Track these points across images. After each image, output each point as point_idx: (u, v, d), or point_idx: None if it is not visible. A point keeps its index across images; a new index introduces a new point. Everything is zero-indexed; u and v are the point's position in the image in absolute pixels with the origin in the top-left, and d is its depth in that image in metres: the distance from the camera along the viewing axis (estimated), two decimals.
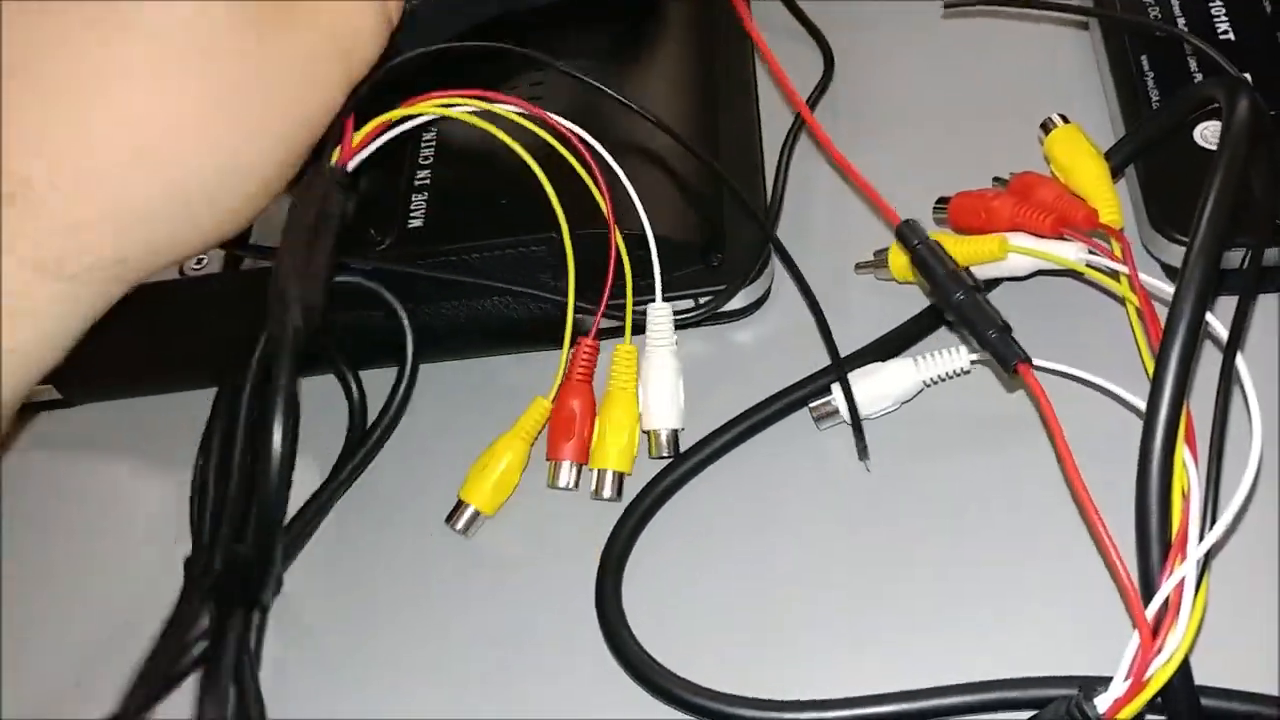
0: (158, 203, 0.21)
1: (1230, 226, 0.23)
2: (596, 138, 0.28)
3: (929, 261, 0.25)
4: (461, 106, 0.28)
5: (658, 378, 0.27)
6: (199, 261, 0.31)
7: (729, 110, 0.33)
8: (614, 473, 0.27)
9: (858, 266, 0.29)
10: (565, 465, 0.27)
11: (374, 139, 0.27)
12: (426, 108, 0.28)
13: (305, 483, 0.28)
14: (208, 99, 0.21)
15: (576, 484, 0.27)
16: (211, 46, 0.21)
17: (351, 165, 0.26)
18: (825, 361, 0.27)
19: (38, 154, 0.20)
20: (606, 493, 0.27)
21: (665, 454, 0.27)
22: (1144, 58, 0.30)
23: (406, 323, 0.29)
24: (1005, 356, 0.24)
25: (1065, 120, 0.28)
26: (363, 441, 0.29)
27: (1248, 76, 0.29)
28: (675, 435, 0.27)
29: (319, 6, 0.23)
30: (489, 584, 0.27)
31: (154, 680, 0.23)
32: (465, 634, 0.26)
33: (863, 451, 0.26)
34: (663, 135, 0.28)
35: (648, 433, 0.27)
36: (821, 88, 0.33)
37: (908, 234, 0.25)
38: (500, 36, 0.32)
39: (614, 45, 0.34)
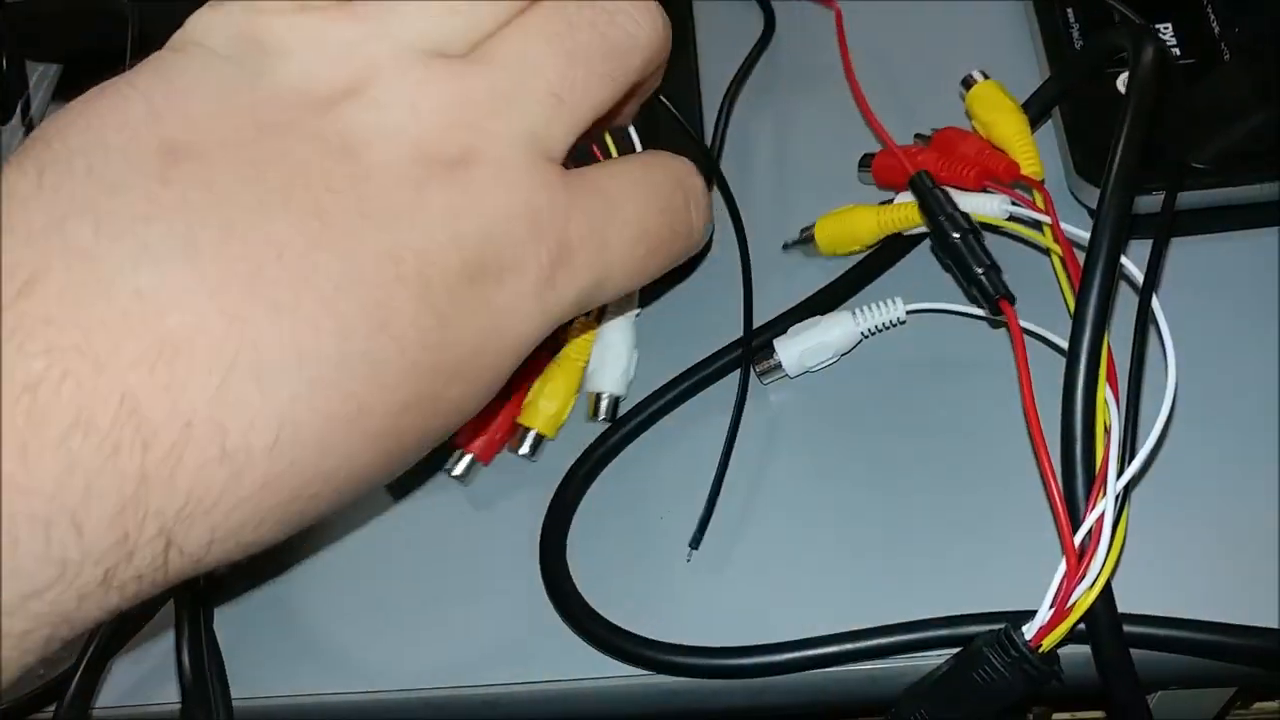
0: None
1: (1140, 169, 0.24)
2: None
3: (933, 205, 0.26)
4: None
5: (613, 343, 0.27)
6: None
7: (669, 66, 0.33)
8: (536, 433, 0.27)
9: (785, 246, 0.29)
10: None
11: None
12: None
13: None
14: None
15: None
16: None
17: None
18: (759, 315, 0.27)
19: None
20: (524, 449, 0.27)
21: (604, 418, 0.27)
22: (1069, 10, 0.31)
23: None
24: (990, 292, 0.25)
25: (985, 76, 0.29)
26: None
27: (1158, 27, 0.30)
28: (615, 402, 0.27)
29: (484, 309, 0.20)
30: (435, 539, 0.27)
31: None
32: (407, 590, 0.26)
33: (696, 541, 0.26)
34: None
35: (593, 395, 0.27)
36: (762, 45, 0.34)
37: (920, 181, 0.26)
38: None
39: None
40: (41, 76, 0.38)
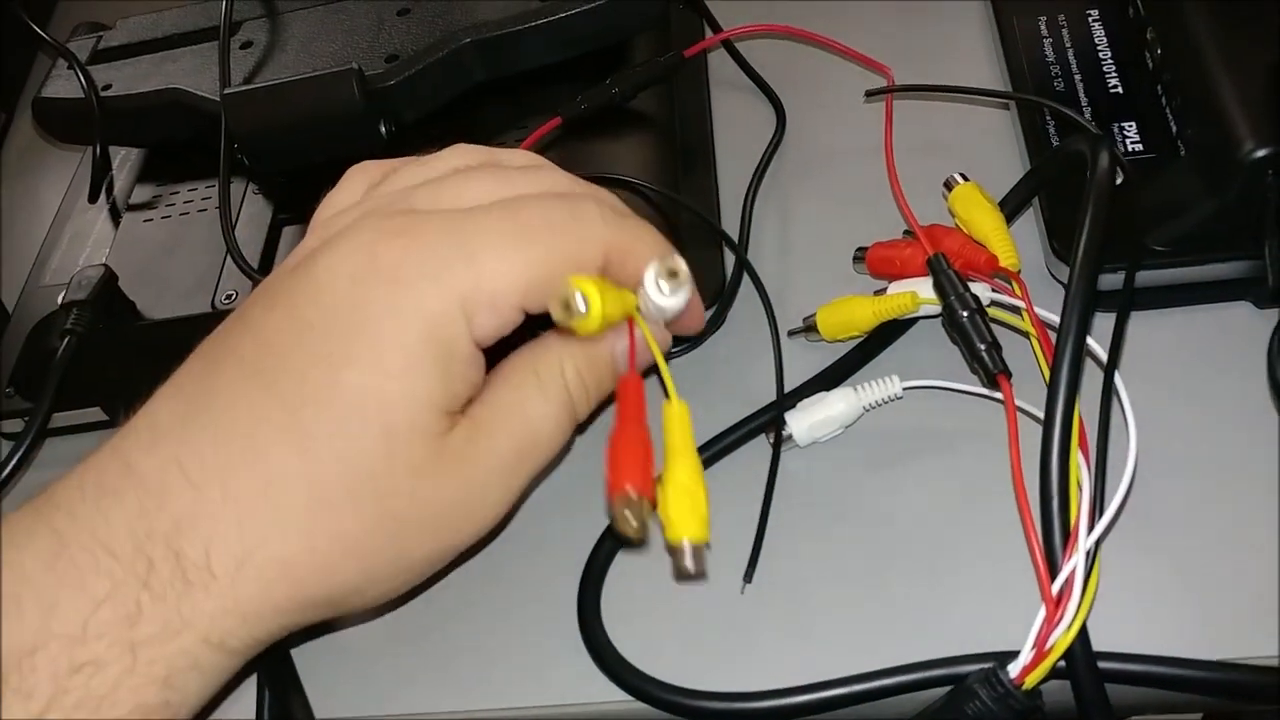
0: (320, 604, 0.24)
1: (1101, 261, 0.27)
2: None
3: (946, 285, 0.29)
4: None
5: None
6: (228, 296, 0.35)
7: (691, 168, 0.37)
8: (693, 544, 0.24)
9: (790, 332, 0.32)
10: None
11: None
12: None
13: None
14: (368, 531, 0.23)
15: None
16: (386, 485, 0.23)
17: None
18: (765, 389, 0.31)
19: (226, 550, 0.23)
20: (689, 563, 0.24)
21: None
22: (1046, 114, 0.35)
23: None
24: (990, 367, 0.28)
25: (965, 178, 0.32)
26: None
27: (1124, 125, 0.34)
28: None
29: (501, 423, 0.25)
30: (478, 583, 0.30)
31: None
32: (448, 631, 0.29)
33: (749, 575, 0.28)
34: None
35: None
36: (776, 142, 0.38)
37: (938, 262, 0.29)
38: (486, 97, 0.37)
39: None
40: (124, 160, 0.42)
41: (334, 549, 0.23)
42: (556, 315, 0.24)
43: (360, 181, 0.28)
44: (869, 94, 0.38)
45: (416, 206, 0.25)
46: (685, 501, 0.24)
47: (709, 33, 0.41)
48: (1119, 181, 0.30)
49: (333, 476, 0.23)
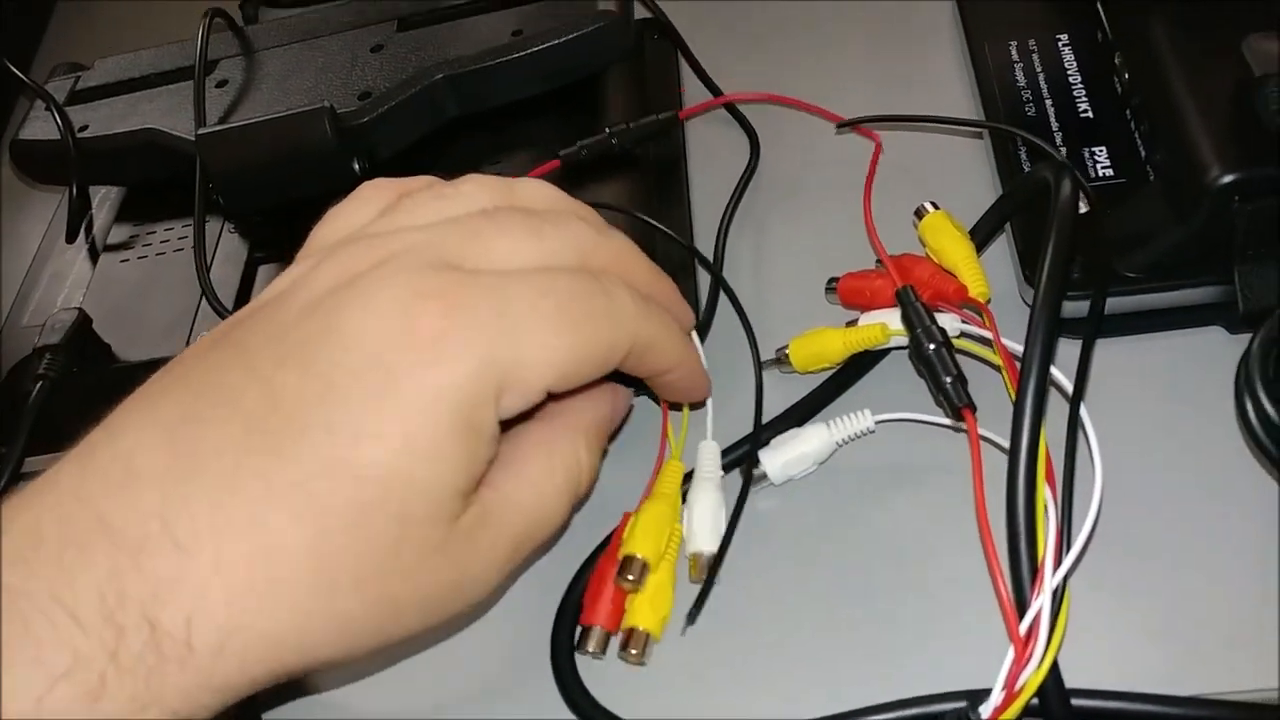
0: (295, 673, 0.22)
1: (1063, 289, 0.27)
2: None
3: (914, 317, 0.29)
4: None
5: (702, 506, 0.29)
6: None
7: (665, 197, 0.37)
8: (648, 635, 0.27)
9: (763, 363, 0.32)
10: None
11: None
12: None
13: None
14: (364, 613, 0.22)
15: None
16: (391, 567, 0.22)
17: None
18: (738, 421, 0.31)
19: (210, 625, 0.20)
20: (637, 654, 0.27)
21: (703, 576, 0.28)
22: (1018, 142, 0.35)
23: None
24: (954, 400, 0.28)
25: (935, 206, 0.32)
26: None
27: (1094, 150, 0.34)
28: (713, 558, 0.28)
29: (511, 511, 0.24)
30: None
31: None
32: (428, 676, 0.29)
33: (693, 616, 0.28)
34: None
35: (692, 556, 0.28)
36: (750, 171, 0.38)
37: (906, 295, 0.29)
38: (459, 131, 0.37)
39: (561, 135, 0.38)
40: (104, 199, 0.42)
41: (327, 629, 0.22)
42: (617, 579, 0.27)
43: (373, 202, 0.27)
44: (840, 126, 0.38)
45: (449, 259, 0.23)
46: (655, 598, 0.28)
47: (681, 61, 0.41)
48: (1085, 209, 0.30)
49: (340, 556, 0.21)
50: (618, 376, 0.27)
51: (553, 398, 0.24)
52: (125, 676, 0.19)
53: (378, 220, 0.26)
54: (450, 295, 0.22)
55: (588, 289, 0.24)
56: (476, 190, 0.26)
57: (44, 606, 0.19)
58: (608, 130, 0.36)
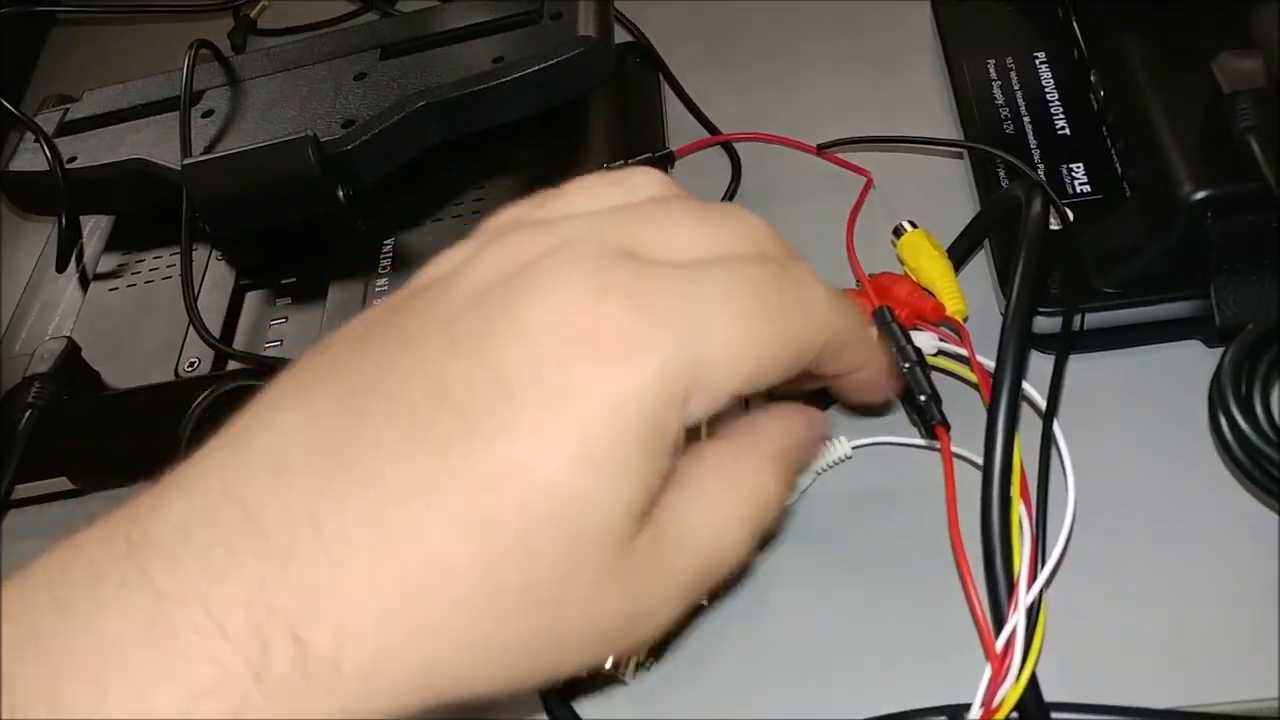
0: (445, 707, 0.19)
1: (1034, 307, 0.27)
2: None
3: (889, 335, 0.29)
4: None
5: None
6: (190, 364, 0.35)
7: None
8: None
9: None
10: None
11: None
12: None
13: None
14: (529, 643, 0.19)
15: None
16: (562, 595, 0.19)
17: None
18: None
19: (362, 646, 0.18)
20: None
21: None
22: (997, 161, 0.35)
23: None
24: (928, 418, 0.28)
25: (914, 226, 0.33)
26: None
27: (1072, 167, 0.34)
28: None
29: (690, 540, 0.21)
30: None
31: None
32: None
33: None
34: None
35: None
36: (732, 192, 0.39)
37: (882, 315, 0.29)
38: (443, 157, 0.37)
39: (545, 159, 0.38)
40: (94, 228, 0.42)
41: (487, 659, 0.19)
42: None
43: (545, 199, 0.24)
44: (821, 147, 0.38)
45: (626, 247, 0.21)
46: None
47: (663, 81, 0.41)
48: (1058, 226, 0.31)
49: (507, 576, 0.18)
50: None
51: (735, 412, 0.23)
52: (269, 700, 0.17)
53: (546, 204, 0.23)
54: (634, 287, 0.20)
55: (779, 279, 0.21)
56: (646, 180, 0.24)
57: (192, 614, 0.17)
58: (605, 167, 0.36)
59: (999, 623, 0.25)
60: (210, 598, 0.17)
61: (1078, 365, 0.31)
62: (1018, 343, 0.27)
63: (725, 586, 0.24)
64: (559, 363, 0.19)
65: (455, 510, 0.18)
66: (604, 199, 0.23)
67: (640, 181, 0.24)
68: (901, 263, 0.33)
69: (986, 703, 0.24)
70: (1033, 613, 0.25)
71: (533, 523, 0.18)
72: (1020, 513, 0.26)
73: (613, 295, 0.19)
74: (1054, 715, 0.25)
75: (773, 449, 0.23)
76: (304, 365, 0.21)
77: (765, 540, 0.24)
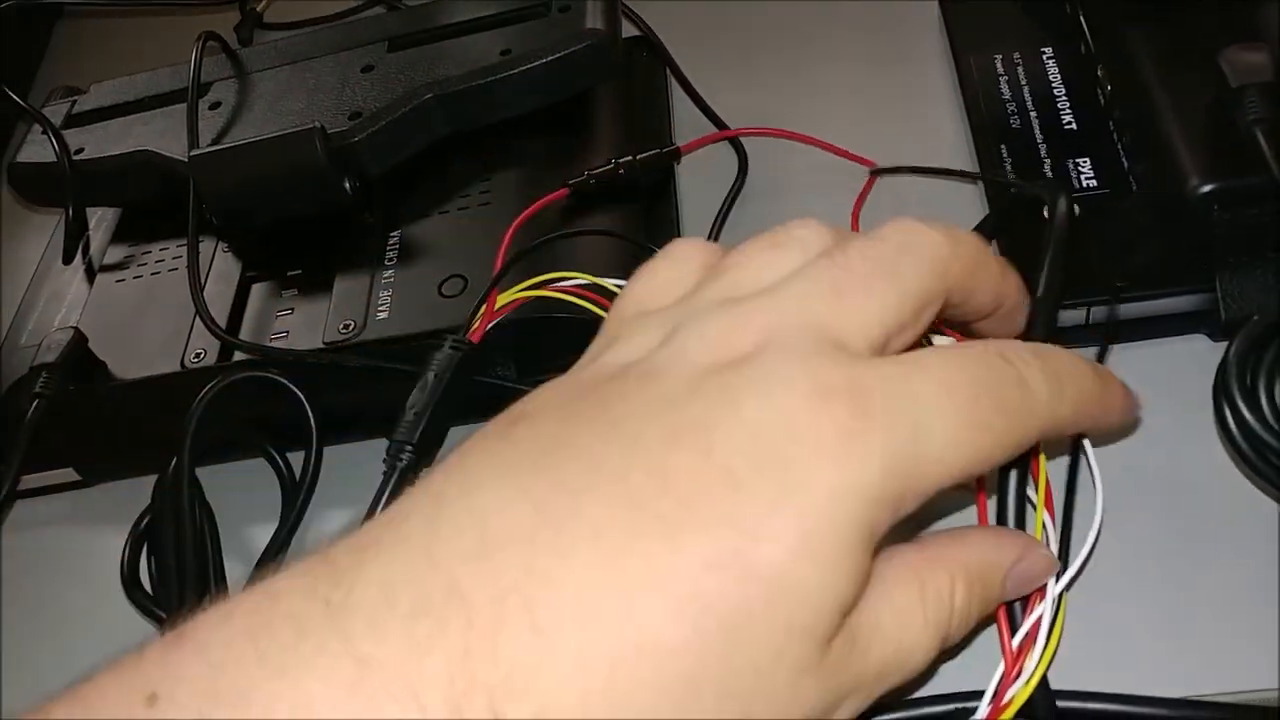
0: None
1: (1059, 301, 0.27)
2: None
3: None
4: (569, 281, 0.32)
5: None
6: (196, 355, 0.35)
7: (653, 213, 0.38)
8: None
9: None
10: None
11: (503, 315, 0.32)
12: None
13: None
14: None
15: None
16: (760, 687, 0.19)
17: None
18: None
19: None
20: None
21: None
22: (1003, 148, 0.35)
23: (308, 407, 0.33)
24: None
25: None
26: (292, 506, 0.33)
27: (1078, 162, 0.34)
28: None
29: (877, 641, 0.21)
30: None
31: None
32: None
33: None
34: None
35: None
36: (737, 188, 0.39)
37: None
38: (449, 150, 0.37)
39: (552, 153, 0.38)
40: (101, 220, 0.43)
41: None
42: None
43: (693, 259, 0.24)
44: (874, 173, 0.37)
45: (832, 336, 0.21)
46: None
47: (670, 76, 0.41)
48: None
49: (712, 662, 0.18)
50: None
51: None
52: None
53: (716, 280, 0.23)
54: (854, 388, 0.20)
55: (999, 378, 0.21)
56: (810, 234, 0.23)
57: (392, 685, 0.17)
58: (614, 161, 0.36)
59: (1013, 621, 0.25)
60: (411, 668, 0.17)
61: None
62: (1045, 333, 0.26)
63: (899, 692, 0.23)
64: (783, 458, 0.19)
65: (673, 593, 0.18)
66: (781, 264, 0.23)
67: (805, 236, 0.23)
68: None
69: (996, 700, 0.24)
70: (1053, 611, 0.25)
71: (747, 610, 0.18)
72: (1044, 518, 0.26)
73: (834, 396, 0.20)
74: (1059, 704, 0.25)
75: (967, 562, 0.23)
76: (502, 434, 0.21)
77: (951, 650, 0.24)
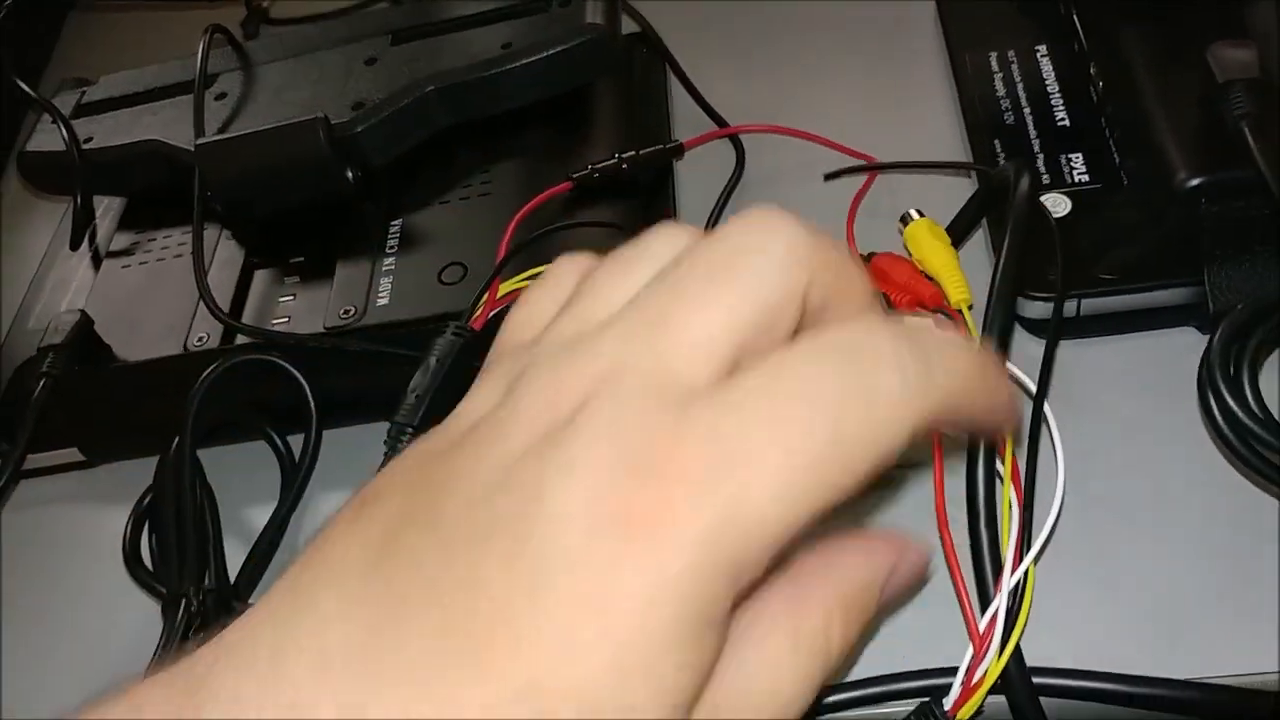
0: None
1: (1021, 274, 0.28)
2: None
3: None
4: None
5: None
6: (200, 339, 0.36)
7: (650, 207, 0.38)
8: None
9: None
10: None
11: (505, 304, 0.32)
12: None
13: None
14: None
15: None
16: None
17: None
18: None
19: None
20: None
21: None
22: (996, 142, 0.36)
23: (308, 390, 0.33)
24: None
25: (920, 214, 0.33)
26: (290, 487, 0.34)
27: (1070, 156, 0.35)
28: None
29: (744, 701, 0.19)
30: None
31: None
32: None
33: None
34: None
35: None
36: (735, 181, 0.39)
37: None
38: (451, 141, 0.38)
39: (552, 146, 0.39)
40: (107, 209, 0.43)
41: None
42: None
43: (563, 284, 0.23)
44: (828, 177, 0.38)
45: (655, 381, 0.19)
46: None
47: (669, 72, 0.42)
48: (1062, 213, 0.31)
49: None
50: None
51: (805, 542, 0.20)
52: None
53: (569, 311, 0.22)
54: (665, 456, 0.18)
55: (836, 395, 0.18)
56: (661, 245, 0.22)
57: None
58: (617, 156, 0.37)
59: (984, 600, 0.25)
60: None
61: (1074, 351, 0.32)
62: (1005, 311, 0.27)
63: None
64: (587, 555, 0.17)
65: (485, 710, 0.17)
66: (629, 285, 0.21)
67: (658, 249, 0.22)
68: (907, 251, 0.33)
69: (967, 680, 0.24)
70: (1018, 592, 0.25)
71: None
72: (1010, 495, 0.26)
73: (640, 473, 0.18)
74: (1036, 680, 0.25)
75: (842, 588, 0.21)
76: (353, 519, 0.20)
77: (828, 685, 0.23)
